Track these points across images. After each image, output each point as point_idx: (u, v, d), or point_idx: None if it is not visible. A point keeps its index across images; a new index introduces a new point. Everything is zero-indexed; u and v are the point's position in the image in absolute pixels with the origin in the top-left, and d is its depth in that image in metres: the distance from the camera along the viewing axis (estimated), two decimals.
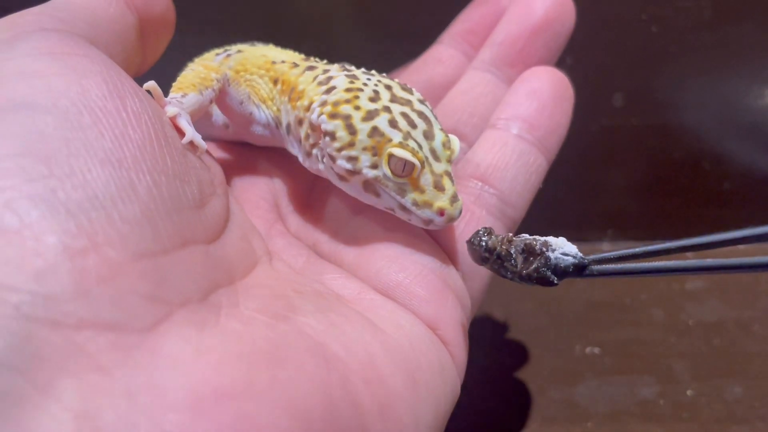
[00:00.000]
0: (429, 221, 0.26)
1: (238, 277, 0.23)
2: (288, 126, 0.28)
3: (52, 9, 0.24)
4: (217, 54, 0.31)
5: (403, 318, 0.25)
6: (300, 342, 0.21)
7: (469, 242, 0.25)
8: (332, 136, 0.26)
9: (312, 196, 0.31)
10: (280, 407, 0.18)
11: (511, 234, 0.25)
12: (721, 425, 0.35)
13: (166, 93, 0.26)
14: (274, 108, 0.29)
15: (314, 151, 0.27)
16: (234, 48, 0.32)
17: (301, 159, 0.28)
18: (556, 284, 0.24)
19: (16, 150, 0.18)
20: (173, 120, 0.24)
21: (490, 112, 0.32)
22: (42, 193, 0.18)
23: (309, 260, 0.27)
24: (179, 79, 0.27)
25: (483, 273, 0.29)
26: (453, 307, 0.26)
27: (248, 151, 0.31)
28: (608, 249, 0.49)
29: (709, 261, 0.23)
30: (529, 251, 0.24)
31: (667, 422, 0.36)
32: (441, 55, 0.35)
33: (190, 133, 0.24)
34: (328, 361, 0.21)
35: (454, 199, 0.26)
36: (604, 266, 0.24)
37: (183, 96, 0.26)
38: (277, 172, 0.31)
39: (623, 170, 0.49)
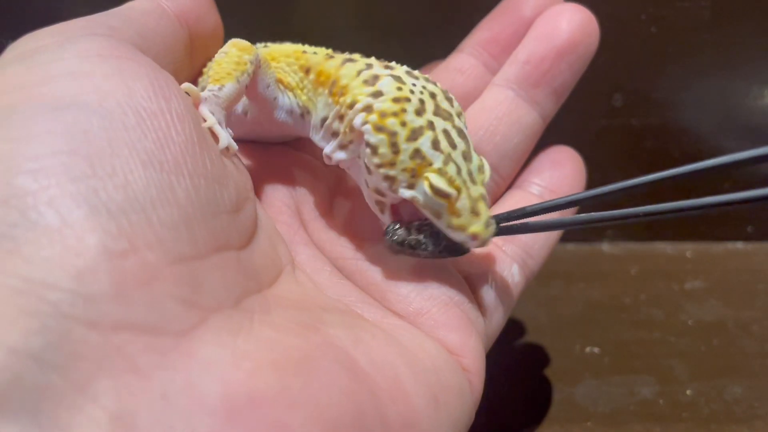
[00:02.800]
0: (462, 243, 0.26)
1: (265, 285, 0.23)
2: (323, 119, 0.28)
3: (103, 17, 0.25)
4: None
5: (426, 342, 0.25)
6: (331, 353, 0.21)
7: (383, 240, 0.27)
8: (374, 150, 0.25)
9: (335, 203, 0.31)
10: (312, 416, 0.19)
11: (416, 222, 0.27)
12: (721, 425, 0.35)
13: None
14: (304, 97, 0.29)
15: (352, 146, 0.27)
16: (259, 45, 0.31)
17: (328, 150, 0.28)
18: (468, 251, 0.26)
19: (62, 148, 0.18)
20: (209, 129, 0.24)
21: (512, 132, 0.33)
22: (84, 193, 0.18)
23: (331, 277, 0.27)
24: (215, 68, 0.27)
25: (501, 311, 0.30)
26: (476, 339, 0.27)
27: (269, 153, 0.31)
28: (608, 249, 0.49)
29: (598, 214, 0.26)
30: (436, 233, 0.26)
31: (666, 422, 0.36)
32: (462, 64, 0.35)
33: (225, 139, 0.24)
34: (357, 375, 0.21)
35: (488, 224, 0.26)
36: (510, 224, 0.27)
37: (220, 89, 0.26)
38: (298, 177, 0.31)
39: (623, 170, 0.49)
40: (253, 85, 0.28)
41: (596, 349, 0.40)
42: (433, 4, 0.44)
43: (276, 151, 0.31)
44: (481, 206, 0.26)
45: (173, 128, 0.21)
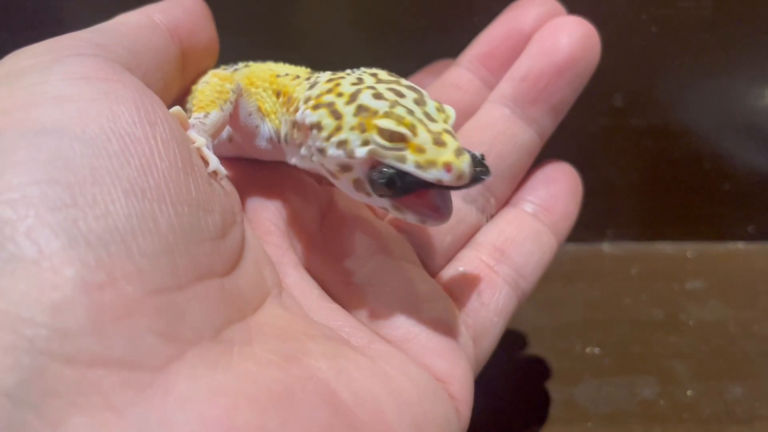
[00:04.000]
0: (439, 182, 0.23)
1: (249, 312, 0.23)
2: (286, 135, 0.28)
3: (91, 34, 0.24)
4: (225, 68, 0.31)
5: (412, 369, 0.25)
6: (311, 387, 0.20)
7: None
8: (318, 126, 0.24)
9: (325, 223, 0.30)
10: None
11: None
12: (721, 425, 0.35)
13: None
14: (277, 122, 0.29)
15: (302, 150, 0.26)
16: (241, 64, 0.31)
17: (294, 161, 0.28)
18: (463, 180, 0.23)
19: (42, 176, 0.18)
20: (198, 150, 0.24)
21: (507, 151, 0.32)
22: (63, 223, 0.17)
23: (319, 301, 0.27)
24: (197, 95, 0.27)
25: (492, 334, 0.30)
26: (465, 365, 0.27)
27: (259, 170, 0.31)
28: (608, 249, 0.49)
29: None
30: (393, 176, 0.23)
31: (667, 422, 0.36)
32: (459, 80, 0.34)
33: (214, 163, 0.24)
34: (338, 410, 0.20)
35: (459, 152, 0.23)
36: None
37: (206, 116, 0.26)
38: (288, 194, 0.30)
39: (623, 170, 0.49)
40: (236, 113, 0.28)
41: (597, 350, 0.40)
42: (432, 4, 0.44)
43: (266, 168, 0.31)
44: (446, 137, 0.23)
45: (157, 154, 0.20)
